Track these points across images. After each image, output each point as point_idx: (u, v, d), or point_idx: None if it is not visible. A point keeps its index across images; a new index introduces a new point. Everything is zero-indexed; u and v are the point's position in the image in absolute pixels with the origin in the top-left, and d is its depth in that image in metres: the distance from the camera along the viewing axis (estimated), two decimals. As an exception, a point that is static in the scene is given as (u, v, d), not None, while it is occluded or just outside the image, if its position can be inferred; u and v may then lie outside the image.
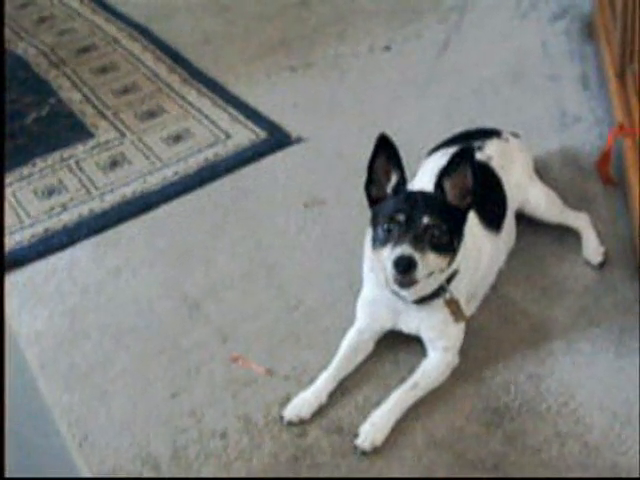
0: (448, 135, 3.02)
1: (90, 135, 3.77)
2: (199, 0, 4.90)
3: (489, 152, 2.83)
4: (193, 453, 2.36)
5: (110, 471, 2.35)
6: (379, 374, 2.52)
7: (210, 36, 4.50)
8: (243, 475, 2.31)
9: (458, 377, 2.47)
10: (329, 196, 3.24)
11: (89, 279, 3.00)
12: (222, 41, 4.44)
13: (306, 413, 2.40)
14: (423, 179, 2.69)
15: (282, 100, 3.87)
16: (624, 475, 2.20)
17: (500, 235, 2.68)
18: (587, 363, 2.49)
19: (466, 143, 2.72)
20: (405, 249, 2.21)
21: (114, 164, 3.57)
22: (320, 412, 2.42)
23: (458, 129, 3.07)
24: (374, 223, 2.36)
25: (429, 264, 2.25)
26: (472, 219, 2.50)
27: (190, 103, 3.92)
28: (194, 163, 3.51)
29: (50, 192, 3.43)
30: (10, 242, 3.15)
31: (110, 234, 3.19)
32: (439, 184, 2.34)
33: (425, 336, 2.50)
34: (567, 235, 2.88)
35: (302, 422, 2.39)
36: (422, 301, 2.42)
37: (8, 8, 4.94)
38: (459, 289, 2.45)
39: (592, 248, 2.81)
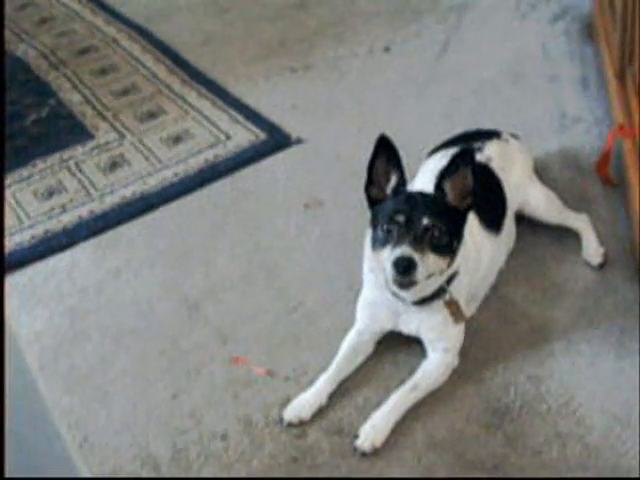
0: (448, 136, 3.02)
1: (90, 136, 3.77)
2: (199, 1, 4.90)
3: (489, 153, 2.83)
4: (193, 454, 2.36)
5: (110, 472, 2.35)
6: (379, 375, 2.52)
7: (210, 37, 4.50)
8: (243, 476, 2.31)
9: (458, 378, 2.47)
10: (329, 197, 3.24)
11: (89, 280, 3.00)
12: (222, 42, 4.45)
13: (306, 414, 2.40)
14: (423, 180, 2.69)
15: (282, 101, 3.87)
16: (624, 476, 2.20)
17: (500, 236, 2.68)
18: (587, 364, 2.49)
19: (466, 144, 2.72)
20: (405, 250, 2.21)
21: (114, 165, 3.57)
22: (320, 413, 2.42)
23: (458, 130, 3.07)
24: (374, 224, 2.36)
25: (429, 265, 2.25)
26: (472, 220, 2.50)
27: (190, 104, 3.92)
28: (194, 164, 3.51)
29: (50, 193, 3.43)
30: (10, 243, 3.15)
31: (110, 235, 3.19)
32: (439, 185, 2.34)
33: (425, 337, 2.50)
34: (567, 236, 2.88)
35: (302, 423, 2.39)
36: (422, 302, 2.41)
37: (8, 9, 4.93)
38: (459, 290, 2.45)
39: (592, 249, 2.81)
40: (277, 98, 3.90)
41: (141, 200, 3.34)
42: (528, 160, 3.00)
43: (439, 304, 2.43)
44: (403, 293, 2.36)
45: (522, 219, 2.89)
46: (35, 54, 4.49)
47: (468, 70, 3.93)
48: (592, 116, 3.46)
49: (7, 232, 3.20)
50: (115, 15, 4.84)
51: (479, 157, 2.73)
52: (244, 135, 3.65)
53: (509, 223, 2.77)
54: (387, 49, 4.19)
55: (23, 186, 3.49)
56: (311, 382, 2.48)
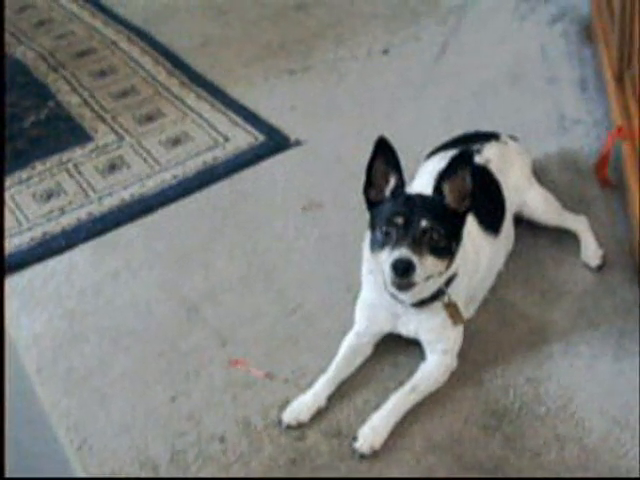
0: (447, 138, 3.02)
1: (89, 138, 3.77)
2: (198, 3, 4.90)
3: (488, 155, 2.83)
4: (192, 456, 2.36)
5: (109, 474, 2.35)
6: (378, 377, 2.52)
7: (209, 39, 4.50)
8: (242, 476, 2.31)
9: (457, 380, 2.47)
10: (327, 199, 3.24)
11: (87, 282, 3.00)
12: (221, 44, 4.45)
13: (305, 416, 2.40)
14: (422, 182, 2.69)
15: (281, 103, 3.87)
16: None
17: (499, 238, 2.68)
18: (586, 366, 2.49)
19: (465, 146, 2.73)
20: (403, 252, 2.21)
21: (113, 167, 3.56)
22: (319, 415, 2.42)
23: (457, 132, 3.07)
24: (372, 226, 2.36)
25: (427, 267, 2.25)
26: (471, 222, 2.50)
27: (189, 106, 3.92)
28: (193, 166, 3.51)
29: (49, 195, 3.43)
30: (9, 245, 3.15)
31: (108, 237, 3.19)
32: (438, 187, 2.34)
33: (424, 339, 2.50)
34: (565, 238, 2.88)
35: (301, 425, 2.39)
36: (421, 304, 2.41)
37: (7, 12, 4.93)
38: (458, 292, 2.45)
39: (591, 251, 2.81)
40: (276, 100, 3.90)
41: (140, 202, 3.34)
42: (527, 162, 3.00)
43: (438, 306, 2.43)
44: (402, 295, 2.36)
45: (521, 221, 2.89)
46: (34, 56, 4.49)
47: (467, 72, 3.93)
48: (591, 118, 3.47)
49: (6, 234, 3.20)
50: (114, 17, 4.84)
51: (478, 159, 2.73)
52: (243, 137, 3.65)
53: (508, 225, 2.78)
54: (386, 51, 4.19)
55: (22, 188, 3.48)
56: (310, 384, 2.48)
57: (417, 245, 2.23)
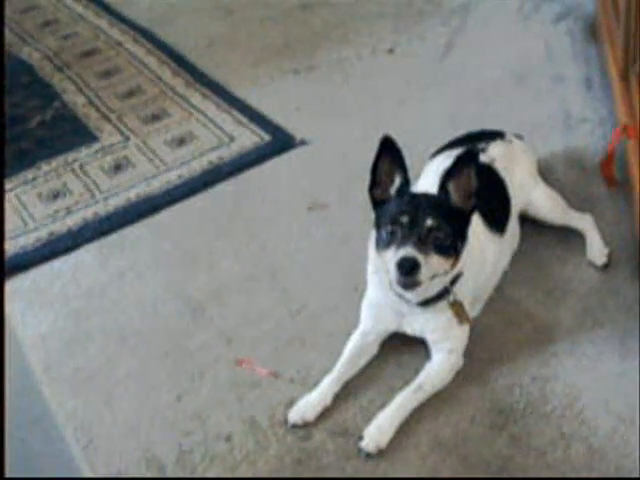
0: (452, 137, 3.02)
1: (94, 138, 3.78)
2: (203, 4, 4.91)
3: (493, 154, 2.83)
4: (198, 456, 2.37)
5: (115, 474, 2.35)
6: (383, 376, 2.53)
7: (214, 39, 4.50)
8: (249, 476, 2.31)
9: (462, 379, 2.47)
10: (333, 199, 3.24)
11: (93, 282, 3.01)
12: (226, 44, 4.45)
13: (311, 416, 2.40)
14: (427, 181, 2.69)
15: (286, 103, 3.87)
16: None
17: (504, 237, 2.68)
18: (591, 365, 2.49)
19: (470, 145, 2.72)
20: (408, 251, 2.21)
21: (118, 167, 3.57)
22: (325, 414, 2.42)
23: (462, 131, 3.07)
24: (378, 225, 2.36)
25: (432, 266, 2.25)
26: (476, 221, 2.50)
27: (194, 106, 3.92)
28: (198, 166, 3.51)
29: (54, 196, 3.44)
30: (15, 246, 3.16)
31: (114, 237, 3.20)
32: (443, 186, 2.34)
33: (429, 338, 2.50)
34: (571, 237, 2.88)
35: (307, 425, 2.40)
36: (426, 303, 2.41)
37: (12, 12, 4.95)
38: (463, 291, 2.45)
39: (596, 249, 2.81)
40: (281, 100, 3.90)
41: (145, 202, 3.34)
42: (532, 161, 3.00)
43: (443, 305, 2.43)
44: (407, 294, 2.36)
45: (526, 220, 2.89)
46: (39, 57, 4.50)
47: (472, 71, 3.93)
48: (596, 116, 3.46)
49: (12, 234, 3.21)
50: (119, 18, 4.85)
51: (483, 158, 2.73)
52: (248, 137, 3.65)
53: (513, 224, 2.77)
54: (391, 51, 4.19)
55: (28, 188, 3.49)
56: (316, 383, 2.49)
57: (422, 244, 2.23)
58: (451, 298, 2.42)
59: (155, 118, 3.88)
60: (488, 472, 2.24)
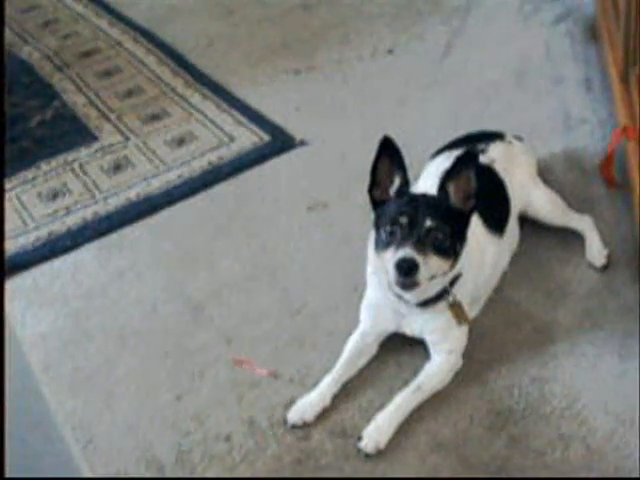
0: (451, 138, 3.02)
1: (94, 138, 3.78)
2: (203, 3, 4.91)
3: (492, 155, 2.83)
4: (197, 456, 2.37)
5: (114, 474, 2.35)
6: (383, 377, 2.53)
7: (214, 39, 4.50)
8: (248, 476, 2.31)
9: (462, 380, 2.48)
10: (332, 199, 3.24)
11: (93, 282, 3.01)
12: (226, 44, 4.45)
13: (310, 416, 2.41)
14: (426, 182, 2.69)
15: (285, 103, 3.88)
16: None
17: (503, 238, 2.68)
18: (591, 366, 2.49)
19: (469, 146, 2.73)
20: (407, 251, 2.21)
21: (118, 167, 3.57)
22: (324, 415, 2.42)
23: (461, 132, 3.07)
24: (377, 225, 2.36)
25: (431, 267, 2.25)
26: (475, 222, 2.50)
27: (194, 106, 3.92)
28: (198, 166, 3.51)
29: (54, 195, 3.44)
30: (14, 245, 3.16)
31: (114, 237, 3.20)
32: (442, 187, 2.34)
33: (428, 339, 2.50)
34: (570, 238, 2.88)
35: (306, 425, 2.40)
36: (425, 304, 2.42)
37: (12, 12, 4.95)
38: (462, 292, 2.45)
39: (595, 251, 2.81)
40: (281, 100, 3.91)
41: (145, 202, 3.35)
42: (532, 162, 3.00)
43: (442, 306, 2.43)
44: (406, 295, 2.36)
45: (525, 221, 2.89)
46: (39, 56, 4.50)
47: (471, 72, 3.93)
48: (596, 118, 3.46)
49: (12, 234, 3.21)
50: (119, 17, 4.85)
51: (483, 159, 2.73)
52: (248, 137, 3.65)
53: (513, 225, 2.78)
54: (391, 51, 4.19)
55: (27, 188, 3.49)
56: (315, 384, 2.49)
57: (421, 245, 2.23)
58: (450, 299, 2.42)
59: (155, 118, 3.88)
60: (487, 472, 2.24)
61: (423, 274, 2.22)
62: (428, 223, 2.25)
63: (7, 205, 3.37)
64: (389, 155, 2.35)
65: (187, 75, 4.18)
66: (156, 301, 2.89)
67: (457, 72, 3.95)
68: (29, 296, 2.97)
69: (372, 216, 2.41)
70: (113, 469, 2.36)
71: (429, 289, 2.35)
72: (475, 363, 2.52)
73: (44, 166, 3.62)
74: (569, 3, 4.31)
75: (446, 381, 2.46)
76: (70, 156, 3.67)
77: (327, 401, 2.44)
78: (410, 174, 2.40)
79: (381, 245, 2.31)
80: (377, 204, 2.39)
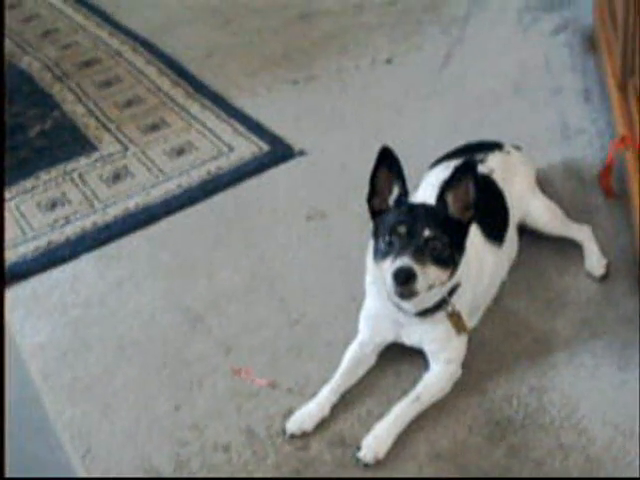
0: (450, 148, 3.03)
1: (93, 148, 3.79)
2: (202, 14, 4.92)
3: (491, 165, 2.84)
4: (196, 466, 2.36)
5: (113, 484, 2.35)
6: (381, 387, 2.52)
7: (213, 50, 4.51)
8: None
9: (461, 389, 2.47)
10: (331, 209, 3.25)
11: (92, 292, 3.01)
12: (225, 54, 4.46)
13: (309, 426, 2.40)
14: (425, 192, 2.69)
15: (284, 113, 3.88)
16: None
17: (502, 248, 2.69)
18: (590, 376, 2.49)
19: (468, 156, 2.73)
20: (405, 261, 2.21)
21: (117, 177, 3.58)
22: (323, 425, 2.41)
23: (460, 142, 3.08)
24: (376, 235, 2.36)
25: (429, 276, 2.25)
26: (474, 232, 2.51)
27: (193, 116, 3.93)
28: (197, 176, 3.52)
29: (53, 205, 3.44)
30: (13, 255, 3.16)
31: (113, 247, 3.20)
32: (441, 197, 2.35)
33: (427, 349, 2.50)
34: (569, 247, 2.88)
35: (305, 435, 2.39)
36: (424, 314, 2.42)
37: (12, 22, 4.97)
38: (461, 302, 2.45)
39: (594, 260, 2.81)
40: (280, 110, 3.91)
41: (144, 212, 3.35)
42: (530, 172, 3.00)
43: (441, 316, 2.43)
44: (405, 304, 2.36)
45: (524, 231, 2.90)
46: (39, 66, 4.51)
47: (471, 82, 3.94)
48: (594, 128, 3.47)
49: (11, 243, 3.21)
50: (119, 28, 4.86)
51: (481, 169, 2.73)
52: (247, 147, 3.66)
53: (511, 235, 2.78)
54: (390, 61, 4.20)
55: (27, 198, 3.50)
56: (314, 394, 2.48)
57: (420, 254, 2.23)
58: (449, 309, 2.42)
59: (154, 128, 3.89)
60: (486, 483, 2.24)
61: (421, 284, 2.22)
62: (427, 233, 2.26)
63: (6, 215, 3.38)
64: (388, 165, 2.35)
65: (186, 85, 4.18)
66: (155, 311, 2.89)
67: (456, 82, 3.96)
68: (28, 306, 2.97)
69: (371, 226, 2.41)
70: (111, 479, 2.36)
71: (428, 299, 2.35)
72: (474, 373, 2.52)
73: (43, 176, 3.62)
74: (568, 14, 4.33)
75: (445, 391, 2.46)
76: (69, 166, 3.67)
77: (326, 411, 2.43)
78: (409, 184, 2.40)
79: (380, 255, 2.31)
80: (376, 214, 2.40)
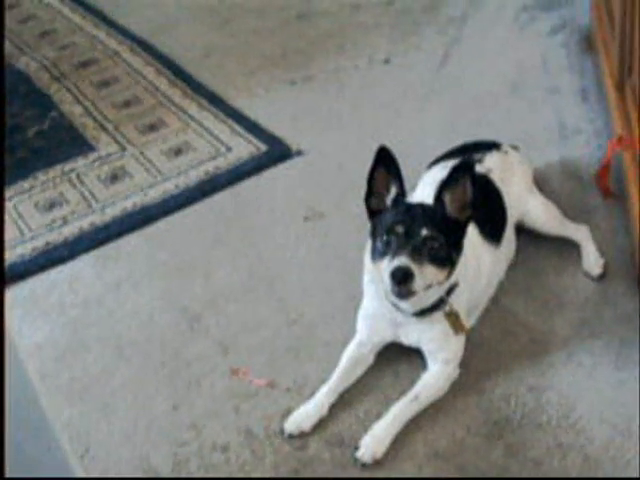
0: (448, 147, 3.03)
1: (91, 148, 3.79)
2: (200, 14, 4.92)
3: (489, 165, 2.84)
4: (194, 466, 2.36)
5: (111, 484, 2.35)
6: (379, 386, 2.53)
7: (211, 50, 4.51)
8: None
9: (459, 389, 2.48)
10: (329, 208, 3.25)
11: (90, 292, 3.01)
12: (223, 55, 4.46)
13: (307, 426, 2.40)
14: (423, 192, 2.69)
15: (282, 113, 3.88)
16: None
17: (500, 247, 2.69)
18: (587, 375, 2.49)
19: (466, 156, 2.73)
20: (402, 260, 2.21)
21: (115, 177, 3.57)
22: (321, 425, 2.42)
23: (458, 141, 3.08)
24: (373, 235, 2.37)
25: (427, 276, 2.25)
26: (472, 232, 2.51)
27: (191, 116, 3.93)
28: (195, 176, 3.52)
29: (51, 205, 3.44)
30: (11, 255, 3.16)
31: (111, 247, 3.20)
32: (439, 197, 2.35)
33: (425, 348, 2.50)
34: (567, 247, 2.89)
35: (303, 435, 2.40)
36: (422, 313, 2.42)
37: (10, 22, 4.96)
38: (459, 301, 2.46)
39: (592, 260, 2.81)
40: (277, 110, 3.91)
41: (142, 212, 3.35)
42: (528, 171, 3.00)
43: (439, 315, 2.43)
44: (403, 304, 2.36)
45: (522, 230, 2.90)
46: (36, 67, 4.51)
47: (468, 82, 3.94)
48: (592, 127, 3.47)
49: (9, 244, 3.21)
50: (116, 28, 4.85)
51: (479, 169, 2.73)
52: (245, 147, 3.66)
53: (509, 234, 2.78)
54: (387, 61, 4.20)
55: (24, 198, 3.50)
56: (312, 393, 2.49)
57: (417, 254, 2.23)
58: (447, 308, 2.42)
59: (152, 128, 3.89)
60: (484, 482, 2.24)
61: (418, 283, 2.22)
62: (424, 232, 2.26)
63: (4, 215, 3.37)
64: (385, 165, 2.35)
65: (184, 85, 4.18)
66: (153, 311, 2.89)
67: (454, 82, 3.96)
68: (26, 306, 2.97)
69: (368, 226, 2.41)
70: (110, 479, 2.36)
71: (425, 298, 2.35)
72: (472, 372, 2.52)
73: (41, 176, 3.62)
74: (565, 14, 4.33)
75: (443, 391, 2.46)
76: (67, 166, 3.67)
77: (324, 411, 2.43)
78: (407, 184, 2.40)
79: (377, 254, 2.31)
80: (373, 214, 2.40)
